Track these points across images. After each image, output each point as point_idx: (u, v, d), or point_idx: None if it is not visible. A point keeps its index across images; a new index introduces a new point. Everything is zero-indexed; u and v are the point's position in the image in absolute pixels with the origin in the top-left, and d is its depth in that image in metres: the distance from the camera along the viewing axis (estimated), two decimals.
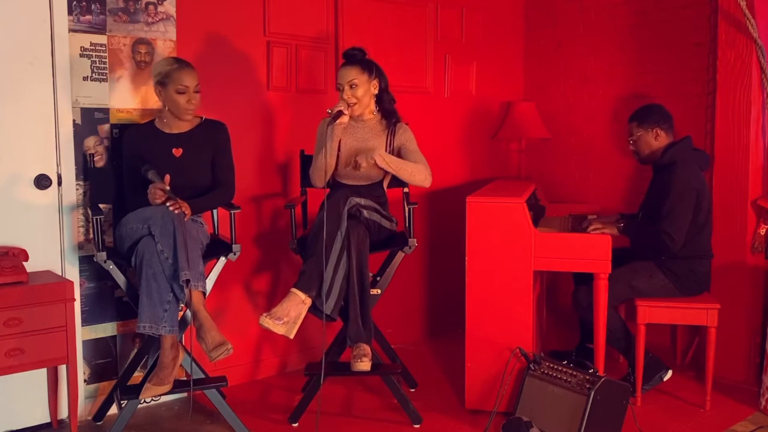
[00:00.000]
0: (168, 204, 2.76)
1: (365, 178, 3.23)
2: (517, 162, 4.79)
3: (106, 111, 3.14)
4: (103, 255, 2.85)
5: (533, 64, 4.81)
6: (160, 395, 2.86)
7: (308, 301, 2.88)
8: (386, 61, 3.42)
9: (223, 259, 3.03)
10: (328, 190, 3.23)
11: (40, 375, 3.03)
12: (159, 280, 2.70)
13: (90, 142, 3.11)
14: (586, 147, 4.50)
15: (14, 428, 3.00)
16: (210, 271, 3.00)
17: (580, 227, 3.35)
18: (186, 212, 2.79)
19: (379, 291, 3.22)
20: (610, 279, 3.16)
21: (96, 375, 3.20)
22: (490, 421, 3.06)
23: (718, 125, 3.68)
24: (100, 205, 3.07)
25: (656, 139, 3.46)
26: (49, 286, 2.77)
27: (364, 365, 2.92)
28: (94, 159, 3.10)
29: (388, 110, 3.30)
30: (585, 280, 3.33)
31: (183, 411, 3.25)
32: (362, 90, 3.19)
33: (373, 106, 3.29)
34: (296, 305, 2.86)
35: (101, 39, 3.10)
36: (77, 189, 3.09)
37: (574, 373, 2.92)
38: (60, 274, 3.03)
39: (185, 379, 2.94)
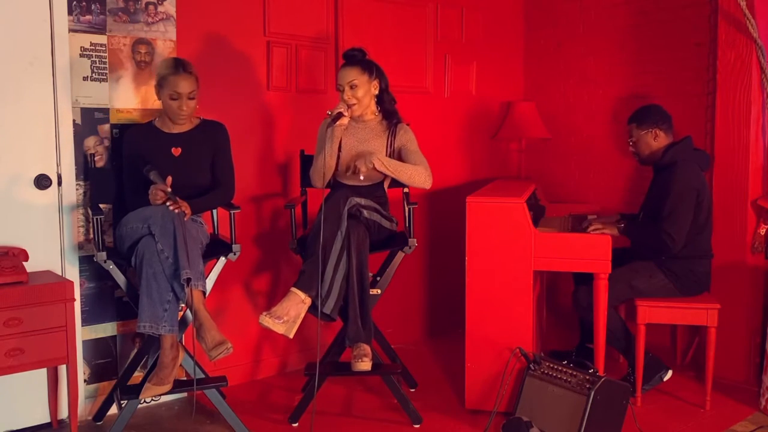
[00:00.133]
0: (168, 204, 2.76)
1: (366, 179, 3.23)
2: (517, 162, 4.79)
3: (106, 111, 3.14)
4: (103, 255, 2.85)
5: (533, 64, 4.81)
6: (160, 395, 2.86)
7: (308, 301, 2.88)
8: (386, 62, 3.41)
9: (223, 259, 3.03)
10: (328, 190, 3.23)
11: (40, 375, 3.03)
12: (159, 279, 2.70)
13: (90, 142, 3.11)
14: (586, 147, 4.50)
15: (14, 428, 3.00)
16: (210, 271, 3.00)
17: (580, 227, 3.35)
18: (186, 212, 2.79)
19: (379, 291, 3.22)
20: (610, 279, 3.16)
21: (96, 375, 3.20)
22: (490, 421, 3.06)
23: (718, 125, 3.68)
24: (100, 205, 3.06)
25: (656, 140, 3.46)
26: (49, 286, 2.77)
27: (365, 365, 2.92)
28: (95, 159, 3.10)
29: (388, 111, 3.30)
30: (585, 280, 3.33)
31: (183, 411, 3.25)
32: (362, 91, 3.19)
33: (373, 106, 3.29)
34: (296, 305, 2.86)
35: (101, 39, 3.10)
36: (77, 189, 3.09)
37: (574, 373, 2.92)
38: (60, 274, 3.03)
39: (185, 378, 2.94)
